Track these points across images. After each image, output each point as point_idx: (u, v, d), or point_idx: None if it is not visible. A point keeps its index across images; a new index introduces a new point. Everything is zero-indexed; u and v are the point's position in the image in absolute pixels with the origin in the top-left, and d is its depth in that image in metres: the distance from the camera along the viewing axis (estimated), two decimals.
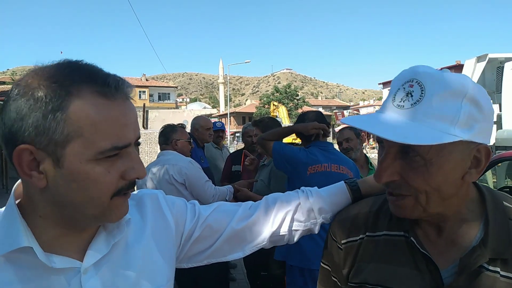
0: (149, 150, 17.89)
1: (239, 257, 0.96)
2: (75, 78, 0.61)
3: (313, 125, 2.43)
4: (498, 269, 0.69)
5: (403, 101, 0.68)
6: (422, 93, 0.66)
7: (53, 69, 0.62)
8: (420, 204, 0.70)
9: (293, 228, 0.97)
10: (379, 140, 0.73)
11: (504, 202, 0.75)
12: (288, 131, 2.58)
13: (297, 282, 2.35)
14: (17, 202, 0.68)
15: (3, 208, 0.69)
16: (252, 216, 0.95)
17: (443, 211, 0.73)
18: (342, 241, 0.88)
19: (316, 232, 0.99)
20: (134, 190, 0.74)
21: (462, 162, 0.68)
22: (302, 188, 1.03)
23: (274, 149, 2.42)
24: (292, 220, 0.97)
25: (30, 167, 0.62)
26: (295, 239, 0.99)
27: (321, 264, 0.96)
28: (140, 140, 0.70)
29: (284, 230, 0.97)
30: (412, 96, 0.67)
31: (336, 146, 2.74)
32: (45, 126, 0.59)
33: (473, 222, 0.74)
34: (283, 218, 0.96)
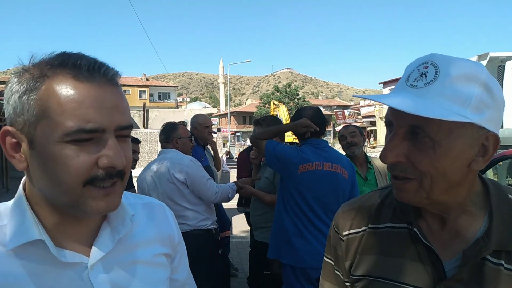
0: (149, 150, 17.89)
1: None
2: (54, 63, 0.62)
3: (301, 123, 2.42)
4: (502, 262, 0.69)
5: (417, 81, 0.67)
6: (436, 74, 0.66)
7: (44, 57, 0.63)
8: (423, 189, 0.69)
9: None
10: (388, 122, 0.72)
11: (509, 195, 0.75)
12: (279, 131, 2.61)
13: (290, 280, 2.34)
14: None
15: (12, 200, 0.69)
16: None
17: (447, 200, 0.72)
18: (344, 233, 0.88)
19: None
20: (121, 185, 0.67)
21: (470, 148, 0.67)
22: None
23: (266, 148, 2.42)
24: None
25: (13, 149, 0.64)
26: None
27: (324, 258, 0.96)
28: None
29: None
30: (426, 76, 0.67)
31: (337, 144, 2.74)
32: (20, 107, 0.61)
33: (477, 215, 0.73)
34: None
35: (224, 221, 3.88)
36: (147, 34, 27.68)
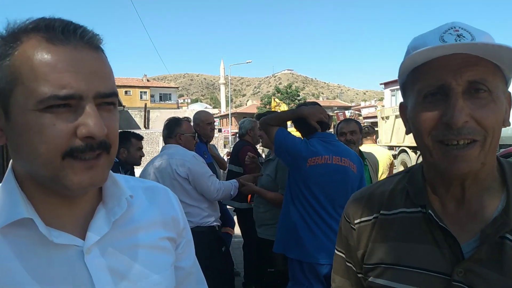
0: (150, 150, 17.96)
1: None
2: (28, 27, 0.57)
3: (320, 110, 2.37)
4: None
5: (460, 37, 0.67)
6: (472, 36, 0.66)
7: (19, 23, 0.59)
8: (484, 151, 0.66)
9: None
10: (438, 87, 0.67)
11: None
12: (291, 116, 2.48)
13: (297, 275, 2.30)
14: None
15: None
16: None
17: (486, 162, 0.69)
18: (355, 221, 0.86)
19: None
20: (107, 159, 0.62)
21: (507, 104, 0.70)
22: None
23: (277, 136, 2.35)
24: None
25: None
26: None
27: (335, 251, 0.94)
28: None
29: None
30: (464, 36, 0.66)
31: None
32: None
33: (495, 193, 0.72)
34: None
35: (224, 216, 3.86)
36: (149, 35, 27.75)
